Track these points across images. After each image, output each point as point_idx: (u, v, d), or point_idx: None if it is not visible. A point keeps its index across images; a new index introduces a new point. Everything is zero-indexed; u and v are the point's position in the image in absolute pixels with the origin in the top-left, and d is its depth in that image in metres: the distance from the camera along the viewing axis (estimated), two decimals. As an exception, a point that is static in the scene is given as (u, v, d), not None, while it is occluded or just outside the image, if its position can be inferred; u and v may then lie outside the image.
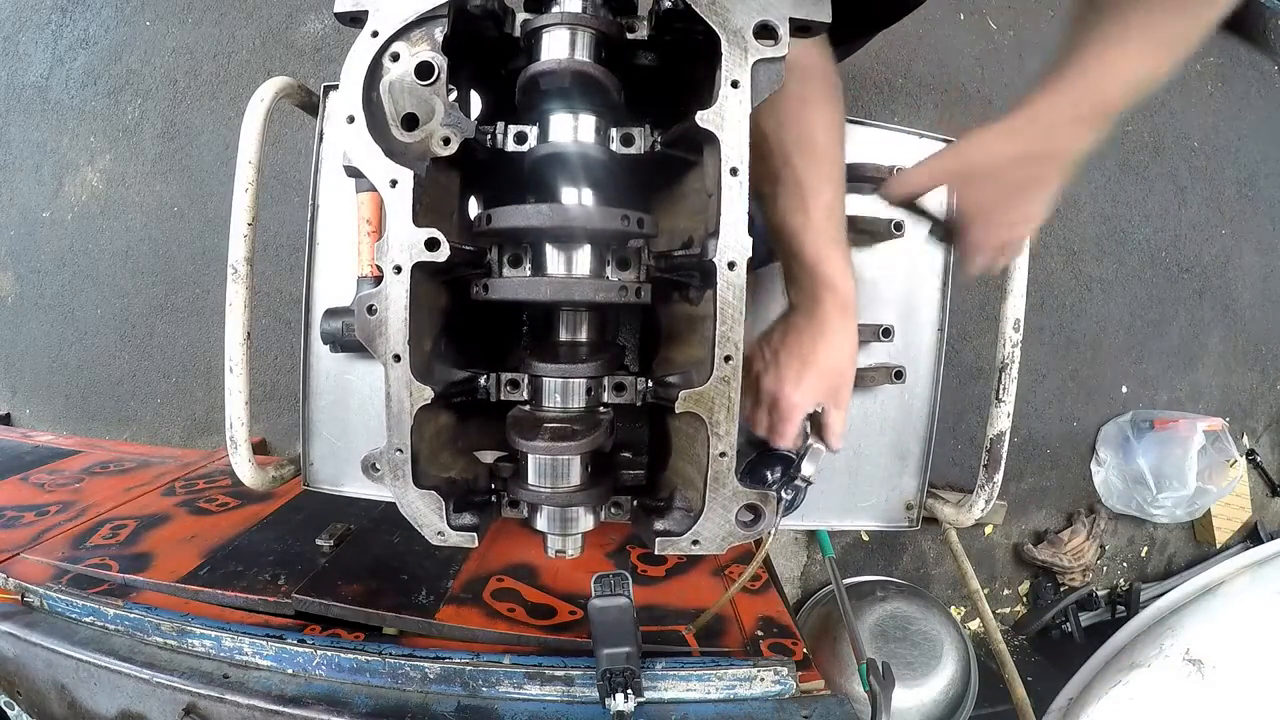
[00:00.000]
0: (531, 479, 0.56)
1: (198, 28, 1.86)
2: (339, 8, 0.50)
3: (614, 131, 0.56)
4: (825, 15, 0.49)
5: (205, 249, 1.86)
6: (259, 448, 0.98)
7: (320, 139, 0.82)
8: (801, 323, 0.67)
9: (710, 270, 0.49)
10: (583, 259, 0.56)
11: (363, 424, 0.84)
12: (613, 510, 0.62)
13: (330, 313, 0.78)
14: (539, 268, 0.57)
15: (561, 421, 0.56)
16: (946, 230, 0.85)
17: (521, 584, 0.98)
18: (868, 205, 0.86)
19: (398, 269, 0.49)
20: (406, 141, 0.50)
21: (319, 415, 0.84)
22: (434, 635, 0.88)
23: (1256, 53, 2.20)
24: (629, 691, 0.72)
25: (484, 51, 0.58)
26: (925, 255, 0.88)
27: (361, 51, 0.49)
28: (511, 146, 0.55)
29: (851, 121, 0.87)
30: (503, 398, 0.61)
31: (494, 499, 0.62)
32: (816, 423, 0.69)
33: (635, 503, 0.63)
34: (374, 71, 0.50)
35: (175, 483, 1.31)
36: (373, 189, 0.63)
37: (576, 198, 0.56)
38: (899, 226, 0.83)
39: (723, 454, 0.51)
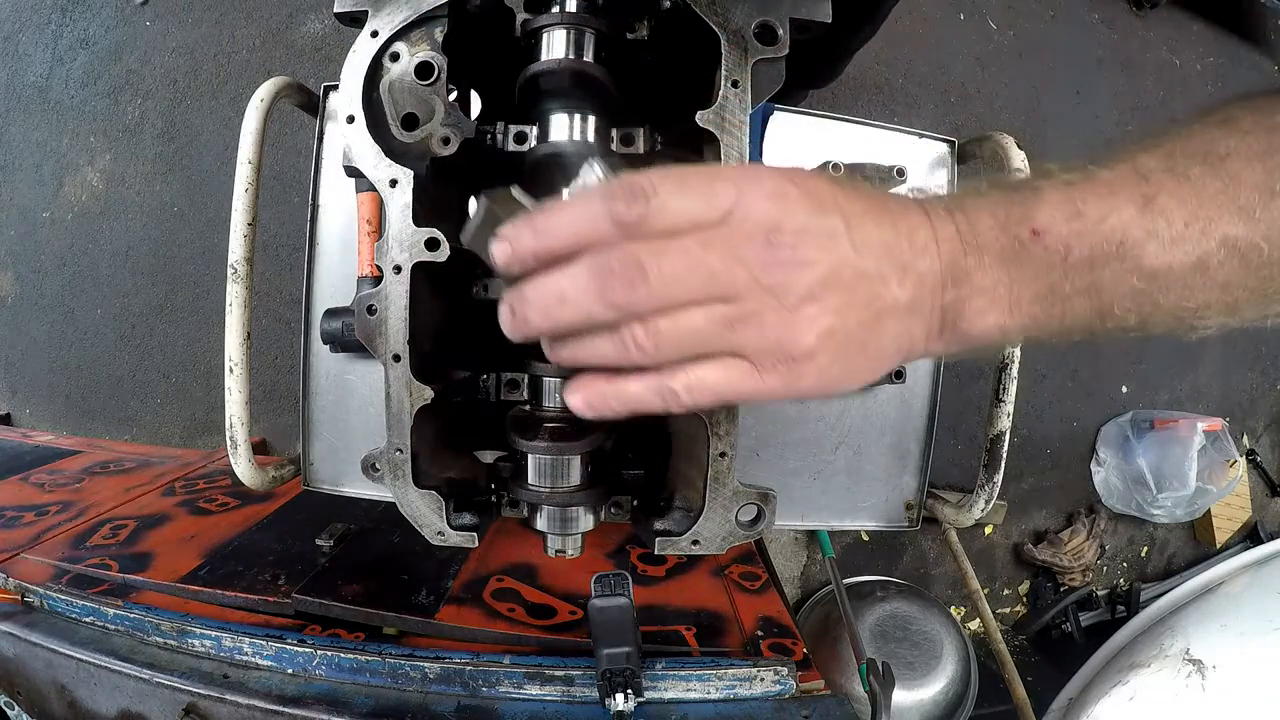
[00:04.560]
0: (531, 479, 0.56)
1: (198, 28, 1.86)
2: (339, 8, 0.50)
3: (614, 131, 0.56)
4: (825, 15, 0.49)
5: (205, 249, 1.86)
6: (259, 448, 0.98)
7: (320, 139, 0.82)
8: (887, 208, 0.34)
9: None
10: (583, 259, 0.56)
11: (363, 424, 0.84)
12: (613, 510, 0.62)
13: (330, 313, 0.78)
14: (539, 268, 0.57)
15: (561, 421, 0.56)
16: None
17: (521, 584, 0.98)
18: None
19: (397, 269, 0.48)
20: (406, 141, 0.50)
21: (319, 415, 0.84)
22: (434, 635, 0.88)
23: (1256, 53, 2.20)
24: (629, 691, 0.72)
25: (484, 51, 0.58)
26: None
27: (361, 51, 0.49)
28: (511, 146, 0.55)
29: (852, 121, 0.87)
30: (503, 398, 0.61)
31: (494, 499, 0.62)
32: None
33: (635, 503, 0.63)
34: (374, 71, 0.50)
35: (175, 483, 1.31)
36: (373, 189, 0.63)
37: (577, 198, 0.56)
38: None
39: (723, 454, 0.51)
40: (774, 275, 0.30)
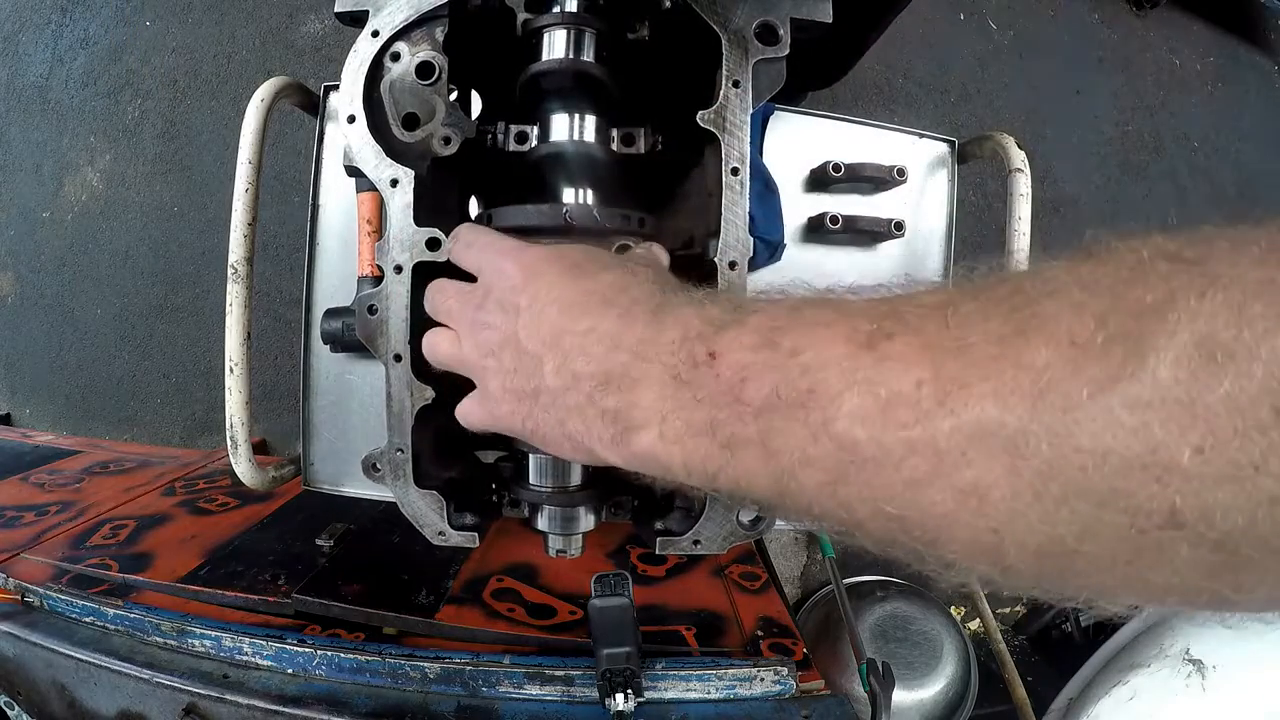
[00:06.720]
0: (532, 479, 0.56)
1: (198, 28, 1.86)
2: (339, 8, 0.50)
3: (614, 131, 0.56)
4: (826, 15, 0.49)
5: (205, 249, 1.86)
6: (259, 448, 0.98)
7: (320, 139, 0.82)
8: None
9: (711, 270, 0.49)
10: (583, 259, 0.56)
11: (363, 424, 0.83)
12: (613, 510, 0.62)
13: (330, 313, 0.77)
14: (539, 267, 0.57)
15: (562, 421, 0.56)
16: None
17: (521, 584, 0.98)
18: (868, 205, 0.86)
19: (398, 269, 0.48)
20: (407, 141, 0.50)
21: (319, 415, 0.84)
22: (434, 635, 0.88)
23: (1256, 53, 2.21)
24: (629, 691, 0.72)
25: (485, 51, 0.58)
26: (926, 255, 0.88)
27: (362, 51, 0.49)
28: (513, 146, 0.55)
29: (852, 121, 0.87)
30: (503, 397, 0.60)
31: (495, 499, 0.62)
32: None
33: (636, 502, 0.63)
34: (375, 71, 0.50)
35: (175, 483, 1.31)
36: (373, 188, 0.63)
37: (577, 197, 0.56)
38: (899, 226, 0.83)
39: (723, 454, 0.50)
40: (476, 326, 0.39)
